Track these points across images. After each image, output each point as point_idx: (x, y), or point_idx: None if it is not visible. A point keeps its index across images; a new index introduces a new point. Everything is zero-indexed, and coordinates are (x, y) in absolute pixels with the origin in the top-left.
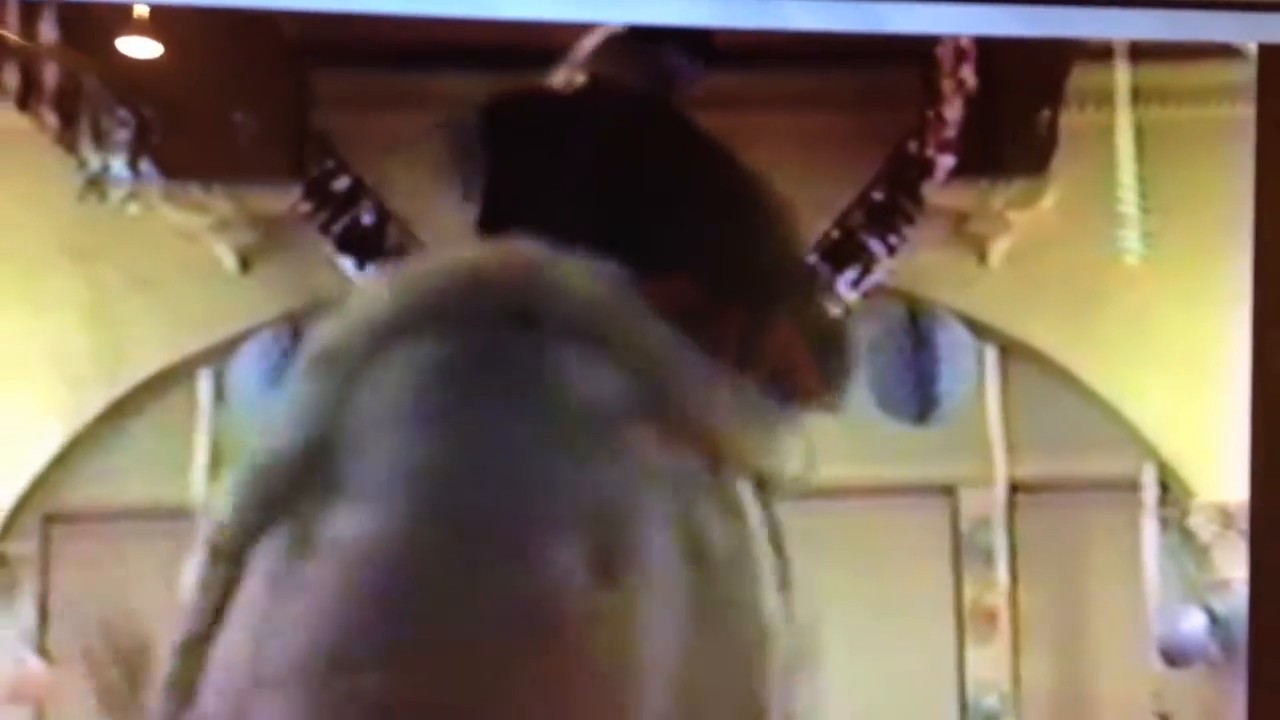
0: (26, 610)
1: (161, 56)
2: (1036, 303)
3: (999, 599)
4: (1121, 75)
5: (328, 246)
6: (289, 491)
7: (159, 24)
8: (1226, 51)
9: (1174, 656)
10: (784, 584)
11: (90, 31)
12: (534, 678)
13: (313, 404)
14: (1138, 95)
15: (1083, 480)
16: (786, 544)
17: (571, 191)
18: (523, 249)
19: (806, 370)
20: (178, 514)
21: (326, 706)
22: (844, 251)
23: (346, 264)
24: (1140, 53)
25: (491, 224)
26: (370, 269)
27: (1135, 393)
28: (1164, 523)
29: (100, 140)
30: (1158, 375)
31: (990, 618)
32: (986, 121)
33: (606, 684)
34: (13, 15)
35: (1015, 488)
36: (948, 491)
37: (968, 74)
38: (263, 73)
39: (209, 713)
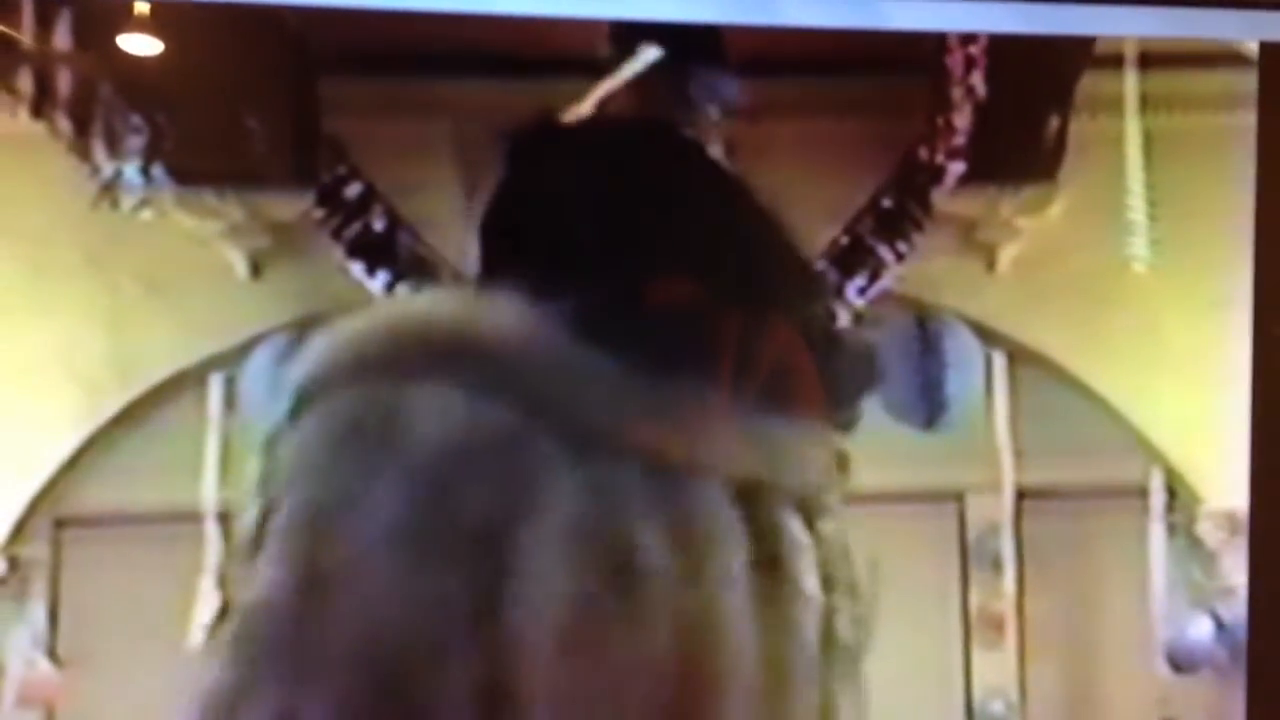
0: (37, 614)
1: (174, 63)
2: (1045, 309)
3: (1006, 605)
4: (1130, 82)
5: (339, 252)
6: (249, 557)
7: (171, 29)
8: (1235, 59)
9: (1180, 663)
10: (831, 600)
11: (101, 35)
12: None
13: (252, 481)
14: (1146, 102)
15: (1090, 486)
16: (837, 558)
17: (570, 201)
18: (449, 300)
19: (808, 378)
20: (188, 518)
21: None
22: (853, 258)
23: (357, 270)
24: (1149, 60)
25: (491, 233)
26: (381, 275)
27: (1143, 399)
28: (1171, 529)
29: (113, 147)
30: (1166, 382)
31: (997, 623)
32: (996, 129)
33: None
34: (27, 22)
35: (1023, 494)
36: (955, 497)
37: (977, 82)
38: (275, 79)
39: None
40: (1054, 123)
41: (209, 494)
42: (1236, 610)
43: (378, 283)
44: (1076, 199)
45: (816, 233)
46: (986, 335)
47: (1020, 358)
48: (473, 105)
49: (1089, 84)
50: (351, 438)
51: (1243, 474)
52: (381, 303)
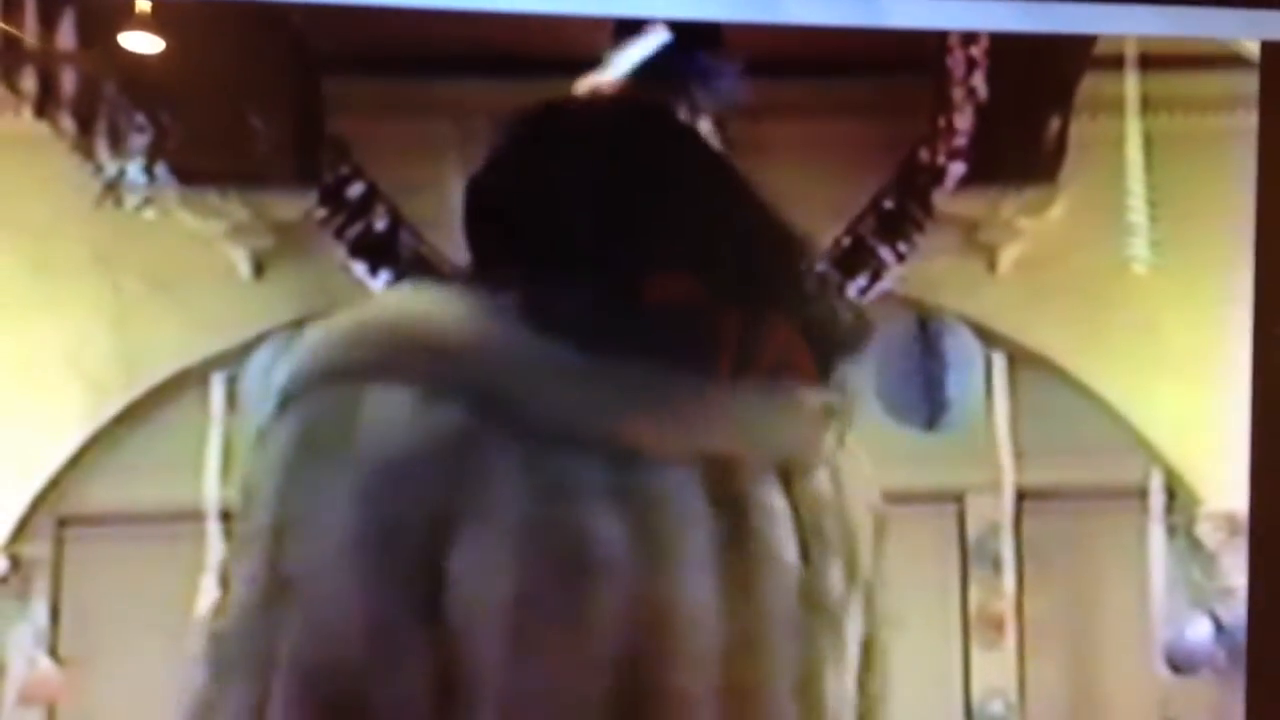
0: (39, 612)
1: (177, 62)
2: (1045, 310)
3: (1005, 605)
4: (1131, 84)
5: (341, 252)
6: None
7: (174, 29)
8: (1236, 60)
9: (1179, 663)
10: (813, 562)
11: (104, 35)
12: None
13: (244, 475)
14: (1147, 104)
15: (1090, 487)
16: (820, 515)
17: (570, 191)
18: (417, 298)
19: (806, 372)
20: (190, 517)
21: None
22: (854, 258)
23: (360, 269)
24: (1150, 61)
25: (482, 223)
26: (383, 274)
27: (1143, 400)
28: (1171, 530)
29: (117, 146)
30: (1166, 383)
31: (997, 624)
32: (997, 130)
33: (442, 712)
34: (31, 21)
35: (1023, 494)
36: (955, 498)
37: (979, 83)
38: (278, 79)
39: None
40: (1055, 124)
41: (211, 493)
42: (1235, 611)
43: (380, 282)
44: (1077, 200)
45: (818, 233)
46: (987, 336)
47: (1021, 358)
48: (475, 105)
49: (1090, 85)
50: (311, 444)
51: (1242, 475)
52: (363, 301)
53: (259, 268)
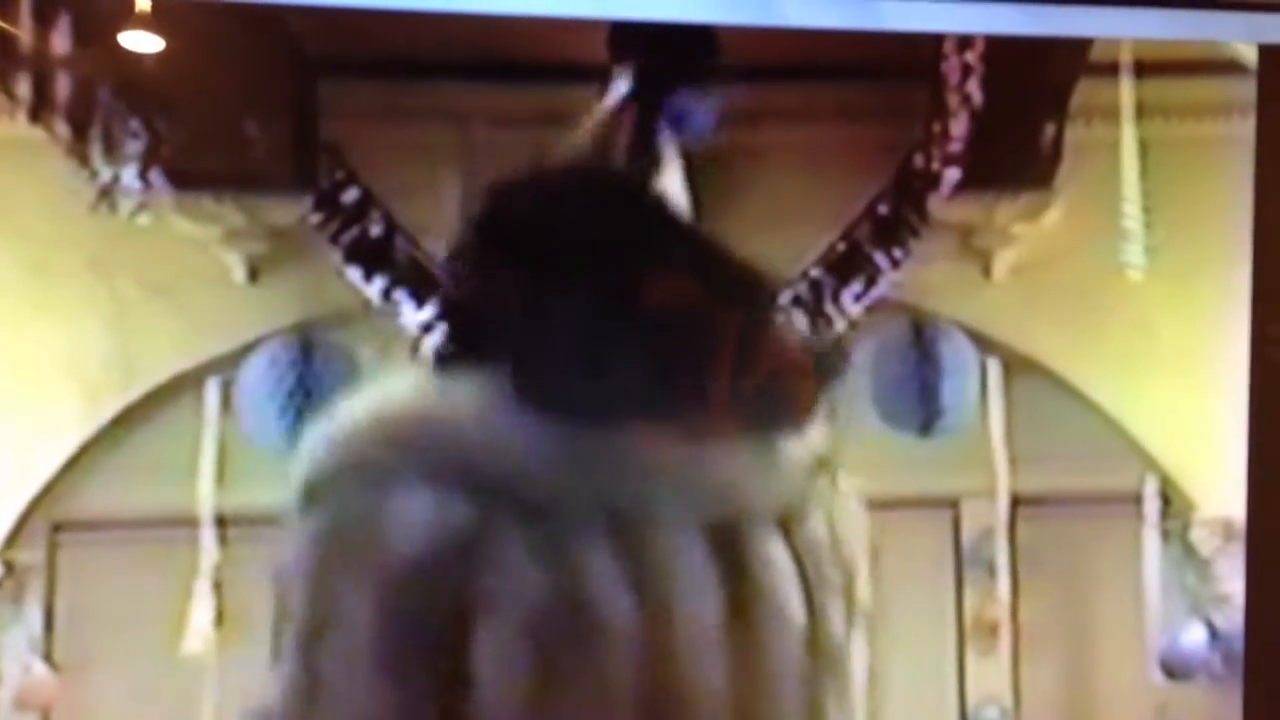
0: (34, 618)
1: (172, 67)
2: (1040, 316)
3: (1000, 611)
4: (1126, 90)
5: (337, 257)
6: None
7: (170, 33)
8: (1230, 66)
9: (1175, 669)
10: (816, 610)
11: (99, 39)
12: None
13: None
14: (1142, 110)
15: (1085, 493)
16: (820, 560)
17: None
18: (418, 392)
19: (804, 375)
20: (185, 523)
21: None
22: (849, 264)
23: (355, 275)
24: (1145, 67)
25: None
26: (378, 280)
27: (1138, 406)
28: (1166, 536)
29: (111, 151)
30: (1160, 388)
31: (992, 630)
32: (992, 136)
33: None
34: (25, 25)
35: (1017, 500)
36: (950, 503)
37: (974, 89)
38: (274, 84)
39: None
40: (1050, 130)
41: (206, 498)
42: (1230, 617)
43: (375, 288)
44: (1072, 206)
45: (814, 238)
46: (982, 342)
47: (1016, 364)
48: (471, 110)
49: (1085, 91)
50: (338, 546)
51: (1237, 481)
52: (370, 391)
53: (254, 273)
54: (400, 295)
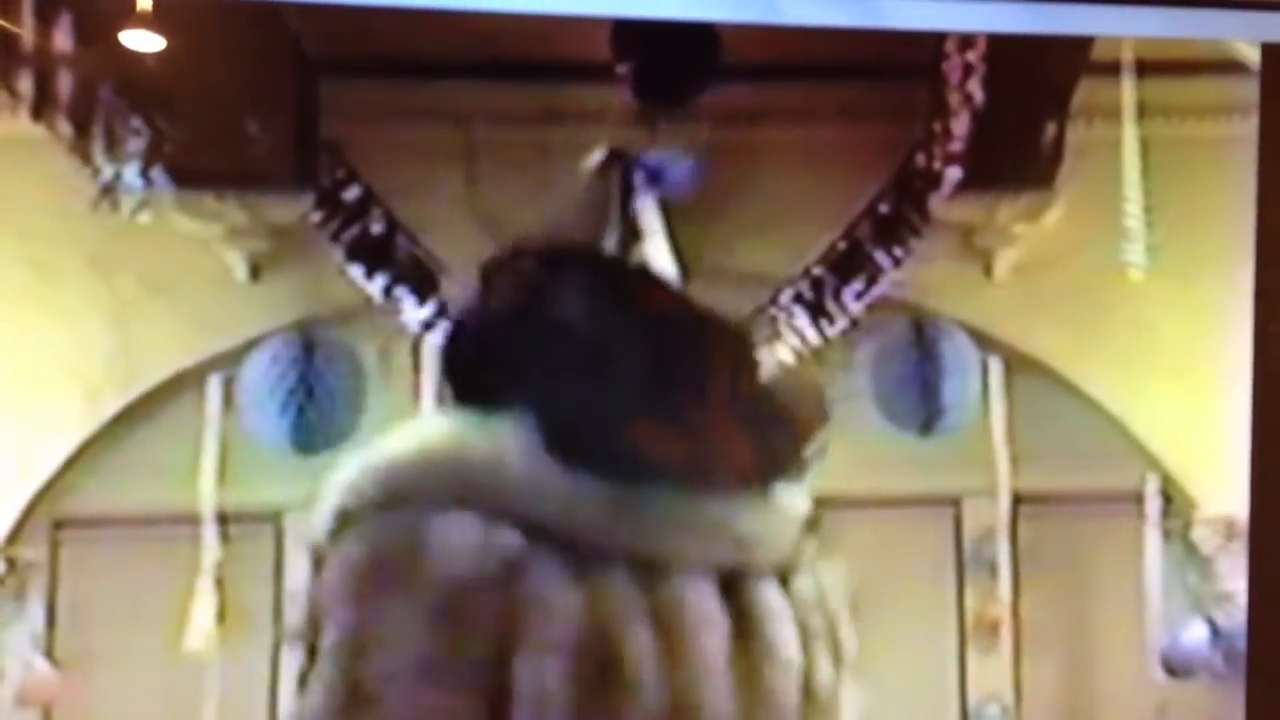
0: (36, 614)
1: (174, 65)
2: (1042, 315)
3: (1002, 610)
4: (1127, 90)
5: (338, 255)
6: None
7: (172, 32)
8: (1232, 66)
9: (1176, 667)
10: (809, 654)
11: (101, 37)
12: None
13: (301, 588)
14: (1143, 110)
15: (1086, 492)
16: (812, 609)
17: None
18: (463, 431)
19: (793, 425)
20: (186, 520)
21: None
22: (850, 263)
23: (356, 272)
24: (1146, 67)
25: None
26: (379, 277)
27: (1139, 405)
28: (1167, 535)
29: (113, 149)
30: (1162, 387)
31: (993, 628)
32: (993, 135)
33: None
34: (27, 23)
35: (1019, 499)
36: (952, 502)
37: (975, 88)
38: (275, 82)
39: None
40: (1051, 129)
41: (207, 495)
42: (1232, 615)
43: (376, 285)
44: (1073, 205)
45: (815, 237)
46: (983, 341)
47: (1017, 363)
48: (472, 109)
49: (1086, 91)
50: (382, 566)
51: (1238, 480)
52: (407, 429)
53: (255, 270)
54: (401, 292)
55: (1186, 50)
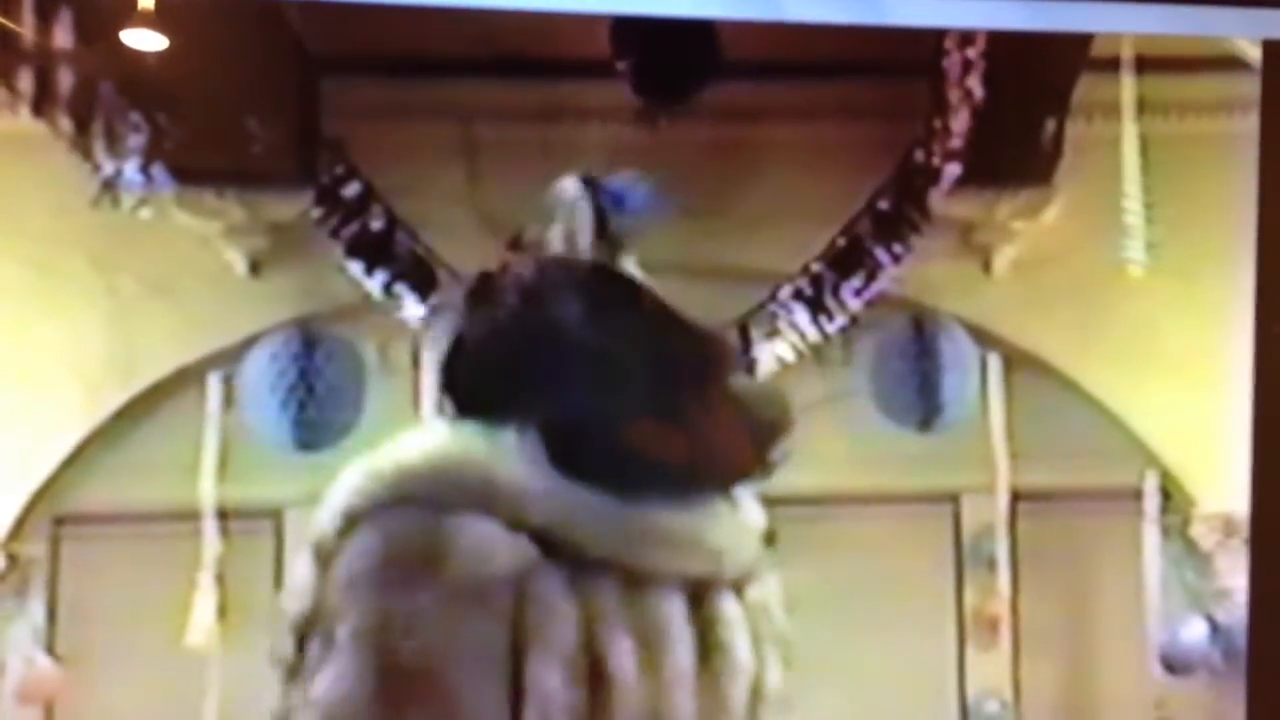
0: (37, 611)
1: (174, 62)
2: (1041, 312)
3: (1001, 606)
4: (1127, 86)
5: (338, 252)
6: (302, 645)
7: (172, 29)
8: (1232, 63)
9: (1175, 665)
10: (759, 658)
11: (102, 34)
12: None
13: (305, 582)
14: (1143, 107)
15: (1085, 489)
16: (762, 616)
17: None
18: (471, 441)
19: (745, 433)
20: (187, 516)
21: None
22: (850, 260)
23: (356, 269)
24: (1146, 64)
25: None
26: (379, 274)
27: (1139, 402)
28: (1166, 531)
29: (113, 145)
30: (1161, 385)
31: (992, 625)
32: (993, 132)
33: None
34: (28, 19)
35: (1018, 496)
36: (950, 499)
37: (975, 85)
38: (275, 79)
39: None
40: (1051, 126)
41: (207, 492)
42: (1231, 612)
43: (376, 282)
44: (1073, 202)
45: (815, 233)
46: (983, 337)
47: (1016, 360)
48: (472, 106)
49: (1085, 88)
50: (399, 557)
51: (1237, 477)
52: (413, 438)
53: (255, 267)
54: (401, 289)
55: (1187, 47)
